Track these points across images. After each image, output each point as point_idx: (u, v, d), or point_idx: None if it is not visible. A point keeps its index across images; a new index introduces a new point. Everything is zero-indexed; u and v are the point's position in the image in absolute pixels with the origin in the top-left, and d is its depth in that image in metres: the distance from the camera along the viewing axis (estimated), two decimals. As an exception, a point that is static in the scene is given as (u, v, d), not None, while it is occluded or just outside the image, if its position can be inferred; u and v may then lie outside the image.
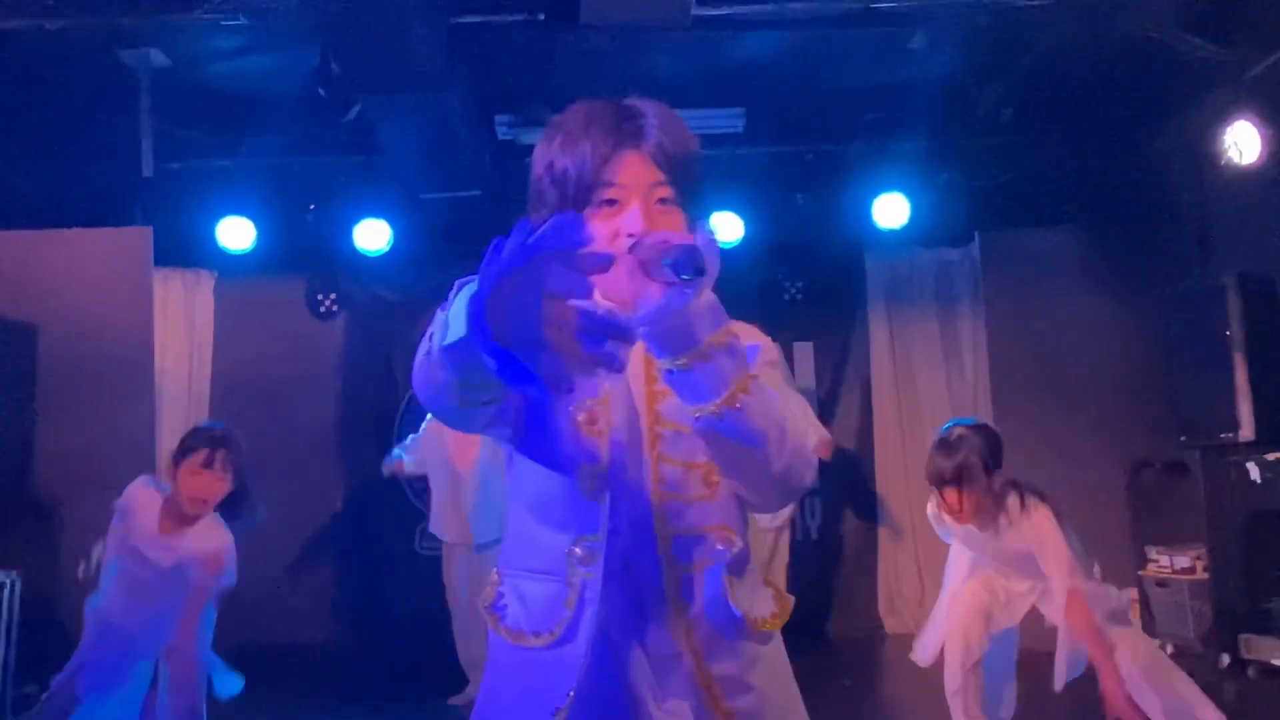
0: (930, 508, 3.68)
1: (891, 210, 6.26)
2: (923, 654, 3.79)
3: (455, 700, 4.88)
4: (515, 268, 1.03)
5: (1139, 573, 5.85)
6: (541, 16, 4.72)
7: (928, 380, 7.01)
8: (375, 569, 6.70)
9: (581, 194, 1.40)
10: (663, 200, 1.40)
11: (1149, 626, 5.77)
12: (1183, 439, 5.55)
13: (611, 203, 1.39)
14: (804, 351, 7.01)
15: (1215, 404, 5.23)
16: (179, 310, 6.78)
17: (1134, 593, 5.93)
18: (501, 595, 1.44)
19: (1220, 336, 5.24)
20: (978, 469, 3.41)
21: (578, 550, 1.37)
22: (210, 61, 5.25)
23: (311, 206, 6.40)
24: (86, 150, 5.82)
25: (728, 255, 5.52)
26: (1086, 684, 3.43)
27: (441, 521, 5.10)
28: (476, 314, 1.04)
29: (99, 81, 5.22)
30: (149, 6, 4.57)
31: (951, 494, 3.44)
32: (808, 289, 6.99)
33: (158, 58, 5.09)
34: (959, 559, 3.77)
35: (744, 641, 1.40)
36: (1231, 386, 5.16)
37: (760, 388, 1.30)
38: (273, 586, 6.49)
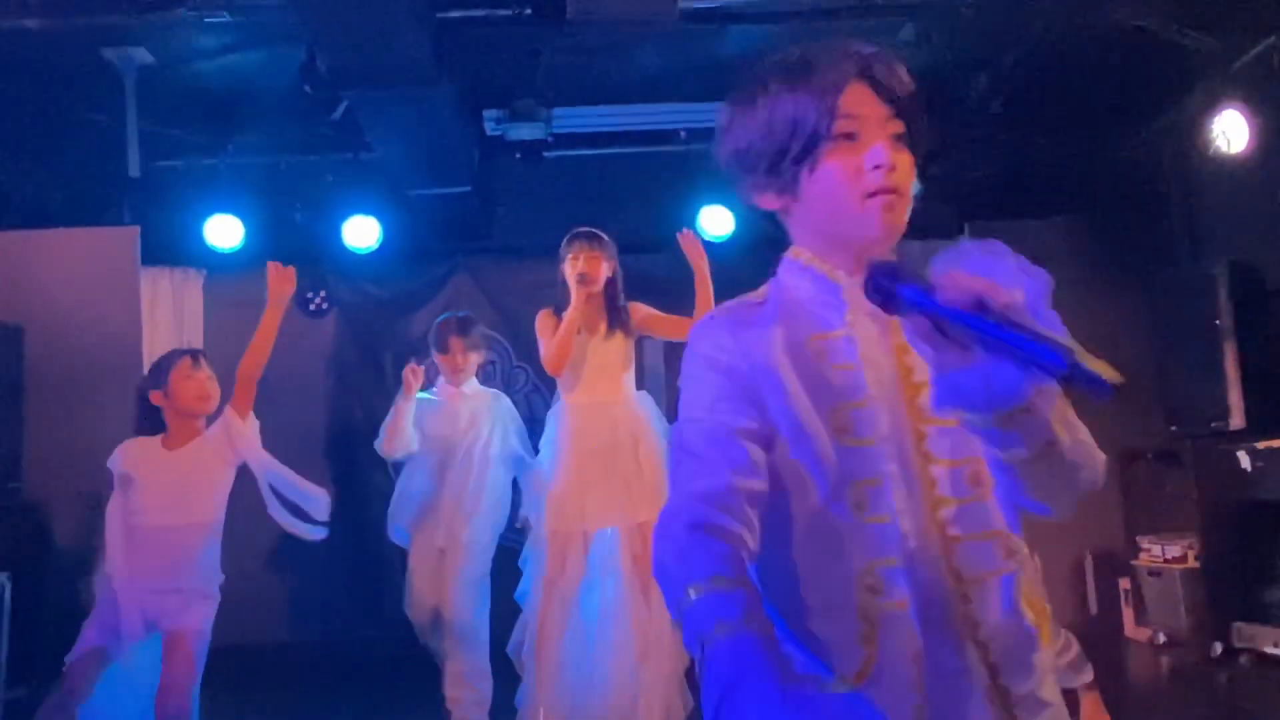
0: None
1: (881, 202, 6.25)
2: None
3: None
4: None
5: (1131, 562, 5.86)
6: (528, 12, 4.70)
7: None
8: (368, 567, 6.68)
9: (814, 133, 1.28)
10: (897, 137, 1.31)
11: (1142, 616, 5.79)
12: (1173, 428, 5.56)
13: (849, 137, 1.29)
14: (795, 345, 7.01)
15: (1206, 393, 5.24)
16: (167, 309, 6.75)
17: (1125, 583, 5.95)
18: (780, 636, 1.24)
19: (1210, 326, 5.25)
20: None
21: (867, 579, 1.22)
22: (195, 59, 5.22)
23: (299, 211, 6.37)
24: (72, 149, 5.78)
25: (719, 250, 5.47)
26: None
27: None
28: None
29: (83, 80, 5.19)
30: (132, 4, 4.55)
31: None
32: (798, 282, 6.98)
33: (142, 56, 5.06)
34: None
35: (1035, 654, 1.27)
36: (1222, 376, 5.17)
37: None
38: (264, 586, 6.47)
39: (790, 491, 1.26)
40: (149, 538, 3.52)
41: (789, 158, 1.30)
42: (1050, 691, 1.27)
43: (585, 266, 4.20)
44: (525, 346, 6.83)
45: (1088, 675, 3.32)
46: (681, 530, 1.18)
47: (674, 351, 5.09)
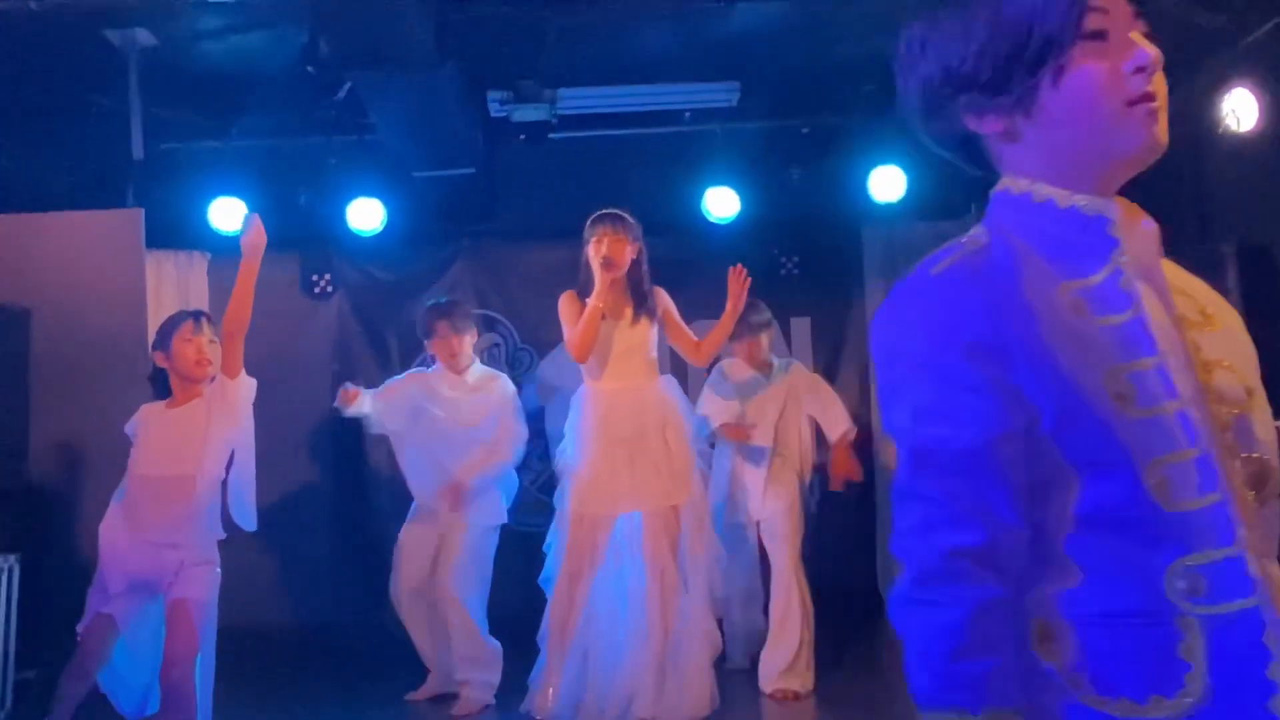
0: None
1: (888, 183, 6.22)
2: None
3: (413, 696, 4.90)
4: None
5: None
6: (533, -9, 4.68)
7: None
8: (374, 550, 6.69)
9: (1059, 33, 1.05)
10: (1148, 35, 1.10)
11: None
12: (1182, 408, 5.54)
13: (1099, 35, 1.06)
14: (801, 327, 6.98)
15: (1214, 373, 5.22)
16: (173, 292, 6.74)
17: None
18: (1076, 650, 1.04)
19: (1219, 305, 5.22)
20: None
21: (1180, 578, 1.01)
22: (198, 41, 5.20)
23: (303, 193, 6.35)
24: (76, 132, 5.77)
25: (724, 231, 5.48)
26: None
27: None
28: None
29: (86, 62, 5.17)
30: (134, -15, 4.52)
31: None
32: (804, 264, 6.95)
33: (145, 37, 5.03)
34: None
35: None
36: (1231, 355, 5.15)
37: None
38: (269, 568, 6.49)
39: (1063, 485, 1.04)
40: (139, 488, 3.60)
41: (1024, 65, 1.07)
42: None
43: (610, 250, 4.15)
44: (530, 329, 6.82)
45: None
46: (941, 625, 1.00)
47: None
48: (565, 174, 6.43)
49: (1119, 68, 1.07)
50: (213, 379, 3.67)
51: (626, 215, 4.27)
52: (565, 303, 4.30)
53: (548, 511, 4.64)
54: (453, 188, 6.30)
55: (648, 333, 4.30)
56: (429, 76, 4.86)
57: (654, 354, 4.36)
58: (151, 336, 3.94)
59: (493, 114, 6.03)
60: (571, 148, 6.41)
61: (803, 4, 4.94)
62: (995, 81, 1.09)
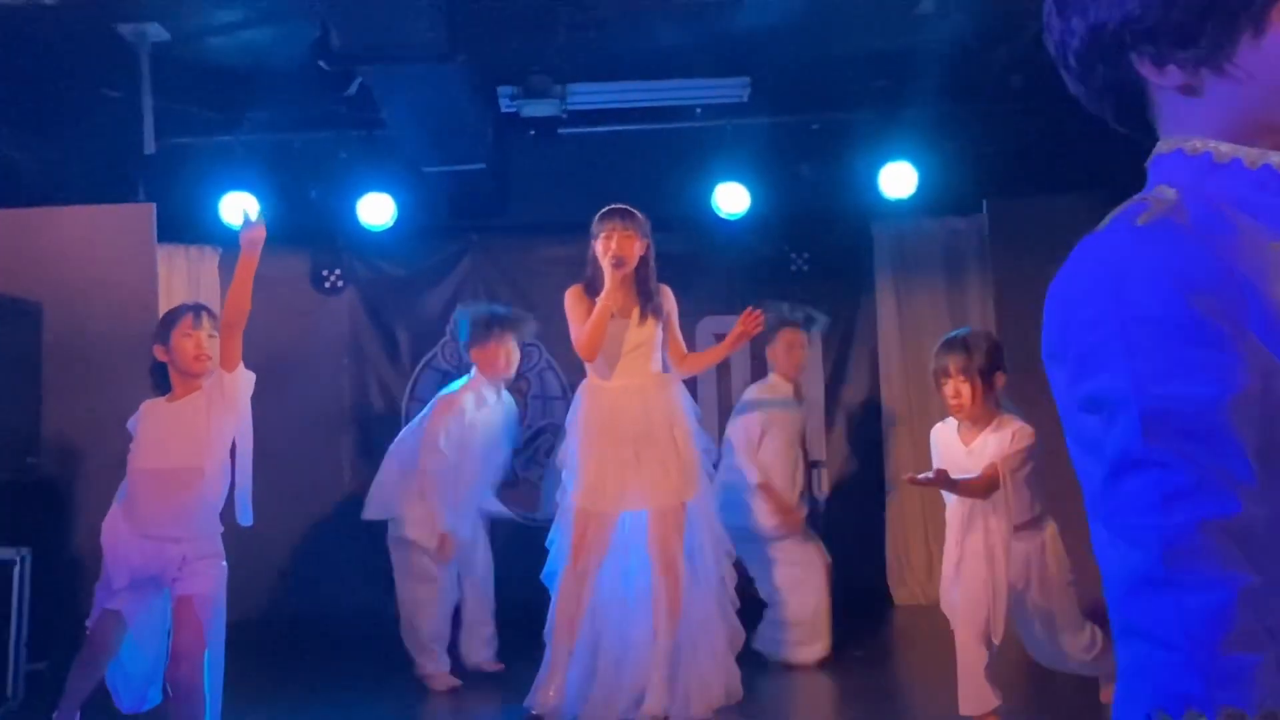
0: (934, 434, 3.91)
1: (899, 179, 6.20)
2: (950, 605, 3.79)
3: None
4: None
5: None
6: (543, -14, 4.67)
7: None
8: (382, 540, 6.71)
9: None
10: None
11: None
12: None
13: None
14: (811, 323, 6.98)
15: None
16: (183, 287, 6.75)
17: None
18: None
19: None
20: (982, 362, 3.69)
21: None
22: (209, 35, 5.21)
23: (313, 188, 6.36)
24: (87, 126, 5.78)
25: (734, 227, 5.44)
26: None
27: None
28: None
29: (98, 57, 5.18)
30: (145, -21, 4.53)
31: (953, 385, 3.71)
32: (814, 260, 6.93)
33: (156, 31, 5.04)
34: (956, 508, 3.77)
35: None
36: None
37: None
38: (280, 564, 6.51)
39: None
40: (140, 483, 3.61)
41: (1223, 17, 0.99)
42: None
43: (619, 247, 4.09)
44: (539, 324, 6.81)
45: None
46: (1204, 609, 0.88)
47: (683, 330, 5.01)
48: (575, 169, 6.42)
49: None
50: (211, 373, 3.66)
51: (635, 211, 4.23)
52: (572, 299, 4.25)
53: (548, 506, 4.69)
54: (463, 183, 6.30)
55: (654, 330, 4.26)
56: (439, 72, 4.86)
57: (659, 351, 4.34)
58: None
59: (503, 109, 6.03)
60: (582, 143, 6.40)
61: (812, 1, 4.93)
62: (1185, 33, 1.01)
